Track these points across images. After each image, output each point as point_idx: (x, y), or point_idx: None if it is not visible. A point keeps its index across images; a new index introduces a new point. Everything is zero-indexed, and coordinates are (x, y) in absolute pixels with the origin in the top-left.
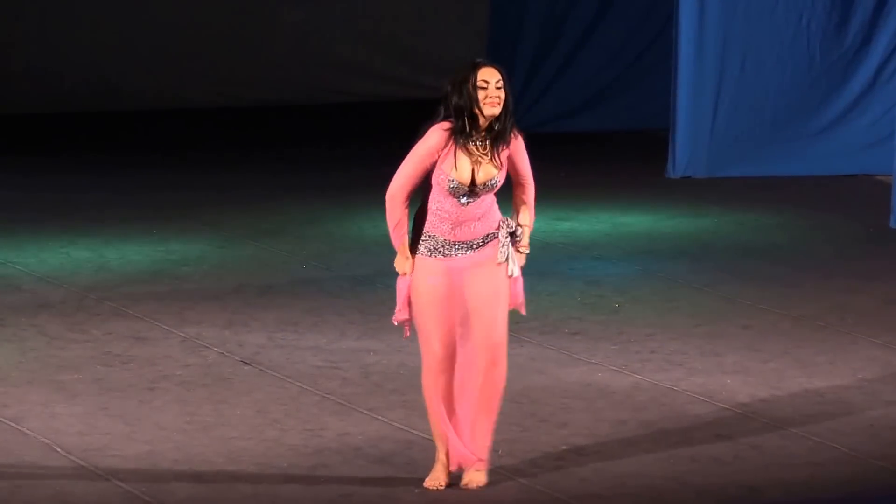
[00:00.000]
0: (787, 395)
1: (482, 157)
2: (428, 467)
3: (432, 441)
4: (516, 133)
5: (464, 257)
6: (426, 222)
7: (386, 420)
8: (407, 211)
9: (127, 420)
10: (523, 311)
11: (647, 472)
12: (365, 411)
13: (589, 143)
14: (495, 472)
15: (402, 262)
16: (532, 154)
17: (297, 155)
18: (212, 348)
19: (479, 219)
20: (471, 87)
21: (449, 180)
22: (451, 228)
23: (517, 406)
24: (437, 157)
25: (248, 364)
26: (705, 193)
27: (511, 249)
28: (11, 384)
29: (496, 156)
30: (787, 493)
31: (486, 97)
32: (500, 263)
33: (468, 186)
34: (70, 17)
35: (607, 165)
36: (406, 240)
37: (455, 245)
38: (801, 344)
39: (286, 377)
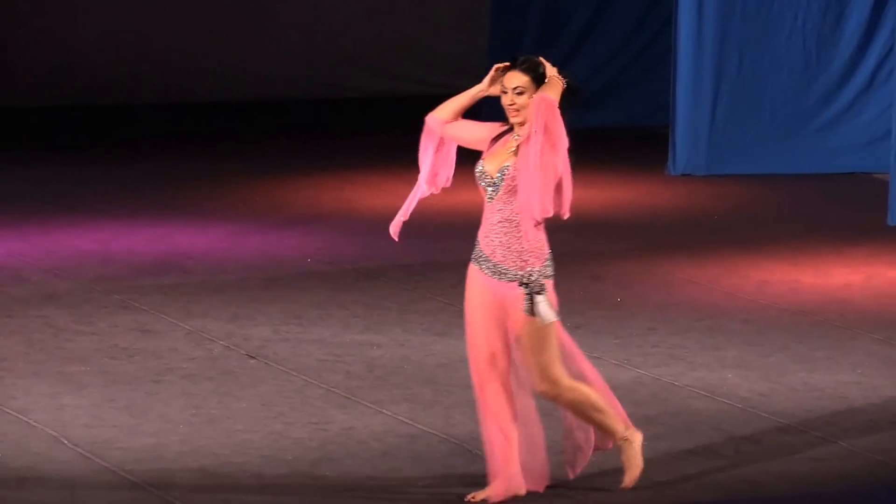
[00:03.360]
0: (786, 389)
1: (510, 152)
2: (431, 461)
3: (435, 435)
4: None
5: (492, 279)
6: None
7: (390, 413)
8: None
9: (133, 412)
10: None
11: (648, 466)
12: (369, 405)
13: (589, 139)
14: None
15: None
16: None
17: (302, 150)
18: (217, 341)
19: (501, 235)
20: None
21: (479, 163)
22: (483, 236)
23: None
24: (482, 134)
25: (253, 357)
26: (705, 190)
27: (541, 299)
28: (18, 376)
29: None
30: (787, 487)
31: (505, 103)
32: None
33: (489, 174)
34: (75, 11)
35: (608, 162)
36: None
37: (486, 259)
38: (800, 339)
39: (291, 370)
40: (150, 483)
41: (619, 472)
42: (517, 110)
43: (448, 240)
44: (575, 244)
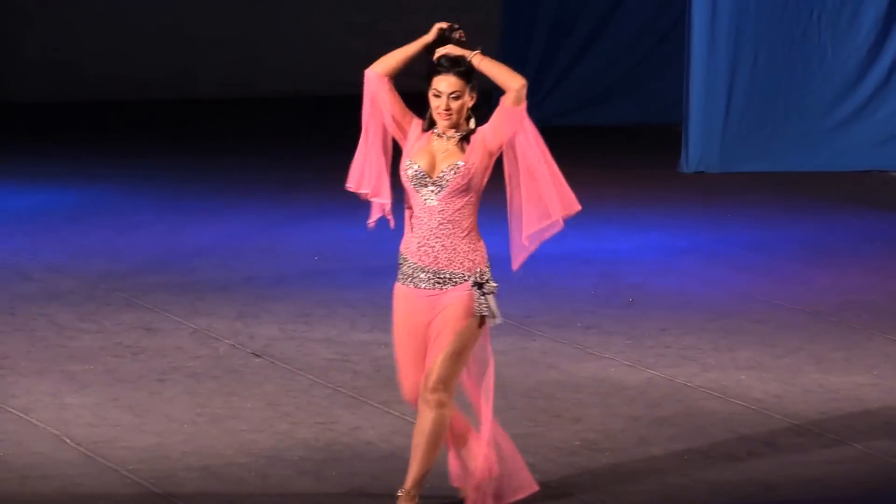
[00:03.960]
0: (801, 391)
1: (446, 152)
2: (439, 462)
3: None
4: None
5: (430, 291)
6: (403, 242)
7: (398, 413)
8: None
9: (137, 411)
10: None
11: (660, 468)
12: (377, 405)
13: (601, 136)
14: None
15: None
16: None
17: (310, 146)
18: (223, 340)
19: (444, 238)
20: (428, 90)
21: (408, 162)
22: (418, 246)
23: (530, 401)
24: (409, 121)
25: (259, 356)
26: (718, 188)
27: (490, 299)
28: (21, 374)
29: (462, 145)
30: (801, 490)
31: (438, 108)
32: (480, 315)
33: (428, 174)
34: (82, 7)
35: (620, 159)
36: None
37: (423, 271)
38: (815, 340)
39: (297, 369)
40: (153, 483)
41: (629, 473)
42: (451, 114)
43: None
44: (586, 242)
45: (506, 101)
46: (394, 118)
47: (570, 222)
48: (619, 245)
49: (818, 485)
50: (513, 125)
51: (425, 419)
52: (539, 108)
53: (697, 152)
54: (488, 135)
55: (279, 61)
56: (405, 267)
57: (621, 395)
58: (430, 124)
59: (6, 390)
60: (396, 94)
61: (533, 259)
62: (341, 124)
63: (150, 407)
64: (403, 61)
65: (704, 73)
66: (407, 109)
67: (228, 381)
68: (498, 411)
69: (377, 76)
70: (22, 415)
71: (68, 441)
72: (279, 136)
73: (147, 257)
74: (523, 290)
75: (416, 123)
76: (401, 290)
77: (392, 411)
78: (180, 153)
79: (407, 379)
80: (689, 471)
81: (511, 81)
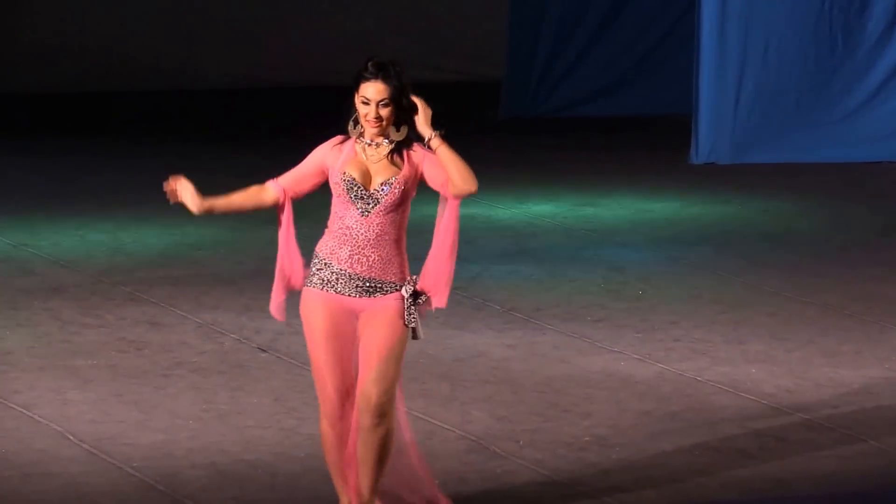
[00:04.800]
0: (812, 385)
1: (380, 163)
2: (447, 458)
3: (453, 431)
4: (427, 149)
5: (357, 300)
6: (324, 246)
7: (403, 409)
8: (259, 197)
9: (141, 407)
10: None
11: (670, 463)
12: None
13: (611, 127)
14: (517, 464)
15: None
16: (553, 139)
17: (316, 137)
18: (228, 335)
19: (379, 248)
20: (355, 98)
21: (342, 173)
22: (349, 255)
23: (539, 396)
24: (319, 162)
25: (265, 351)
26: (729, 180)
27: (416, 311)
28: (23, 370)
29: (395, 157)
30: (813, 485)
31: (367, 115)
32: (407, 326)
33: (364, 186)
34: None
35: (630, 151)
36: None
37: (350, 278)
38: (826, 333)
39: (304, 364)
40: (158, 480)
41: (639, 468)
42: (381, 122)
43: (465, 231)
44: (596, 235)
45: (448, 188)
46: (315, 175)
47: (580, 214)
48: (628, 237)
49: (830, 480)
50: (438, 188)
51: (374, 436)
52: (548, 100)
53: (707, 143)
54: (425, 169)
55: (286, 51)
56: (325, 272)
57: (631, 389)
58: (358, 133)
59: (8, 386)
60: (290, 180)
61: (541, 252)
62: (346, 114)
63: (155, 403)
64: (234, 204)
65: (714, 63)
66: (303, 165)
67: (234, 376)
68: (507, 406)
69: (276, 197)
70: (24, 411)
71: (71, 438)
72: (283, 127)
73: (151, 251)
74: (533, 284)
75: (326, 150)
76: (317, 294)
77: (397, 407)
78: (183, 144)
79: (331, 383)
80: (700, 466)
81: (463, 184)
